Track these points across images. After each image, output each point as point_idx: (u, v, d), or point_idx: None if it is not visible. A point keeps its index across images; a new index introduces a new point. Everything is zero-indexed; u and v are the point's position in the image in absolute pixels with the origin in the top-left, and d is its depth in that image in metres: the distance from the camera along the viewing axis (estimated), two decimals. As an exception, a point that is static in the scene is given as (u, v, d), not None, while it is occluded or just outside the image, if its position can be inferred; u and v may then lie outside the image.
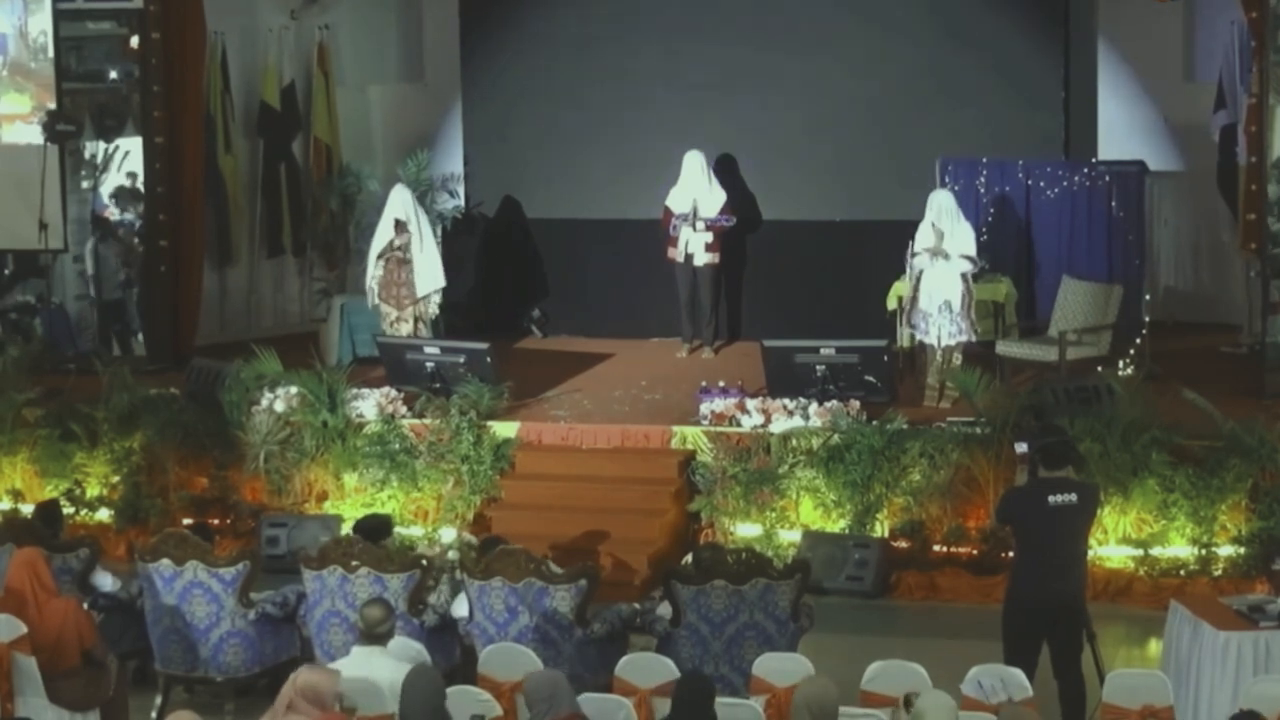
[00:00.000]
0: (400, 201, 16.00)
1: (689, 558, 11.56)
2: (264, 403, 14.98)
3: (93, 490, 15.21)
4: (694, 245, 16.82)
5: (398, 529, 13.93)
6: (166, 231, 17.19)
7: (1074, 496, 10.55)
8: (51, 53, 17.05)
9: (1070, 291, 15.88)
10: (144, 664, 11.72)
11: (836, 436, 14.08)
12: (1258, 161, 15.49)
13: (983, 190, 16.90)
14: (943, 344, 15.05)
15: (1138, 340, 15.81)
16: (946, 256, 14.98)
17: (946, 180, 16.63)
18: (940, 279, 15.01)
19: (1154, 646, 12.05)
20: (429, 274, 15.92)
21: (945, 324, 15.01)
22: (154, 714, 11.43)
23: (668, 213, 16.85)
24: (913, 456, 13.92)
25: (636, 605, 11.20)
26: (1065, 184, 16.78)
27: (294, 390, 14.96)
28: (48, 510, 12.50)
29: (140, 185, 17.16)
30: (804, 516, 14.10)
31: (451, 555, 13.27)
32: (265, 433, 14.84)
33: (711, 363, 16.86)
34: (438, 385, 15.06)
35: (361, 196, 18.42)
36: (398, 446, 14.67)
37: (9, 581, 10.69)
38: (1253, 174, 15.69)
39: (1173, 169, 17.99)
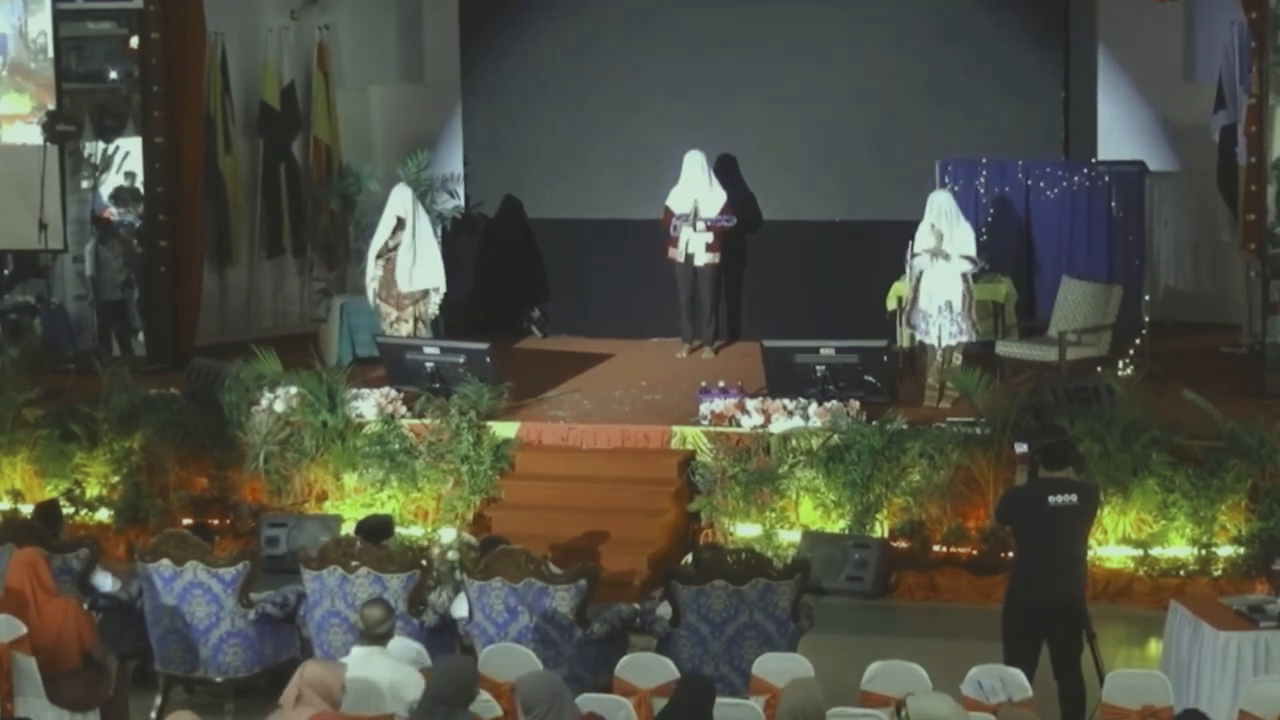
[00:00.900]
0: (401, 200, 15.99)
1: (689, 558, 11.56)
2: (264, 403, 14.98)
3: (92, 490, 15.21)
4: (694, 245, 16.82)
5: (398, 529, 13.92)
6: (166, 232, 17.19)
7: (1074, 497, 10.55)
8: (51, 53, 17.05)
9: (1070, 292, 15.89)
10: (144, 664, 11.72)
11: (836, 437, 14.08)
12: (1257, 162, 15.49)
13: (982, 190, 16.90)
14: (943, 344, 15.05)
15: (1138, 340, 15.81)
16: (946, 257, 14.98)
17: (946, 180, 16.64)
18: (940, 279, 15.02)
19: (1154, 647, 12.05)
20: (424, 272, 15.90)
21: (946, 324, 15.01)
22: (154, 714, 11.42)
23: (668, 213, 16.86)
24: (913, 457, 13.92)
25: (636, 605, 11.20)
26: (1065, 184, 16.79)
27: (294, 390, 14.96)
28: (47, 510, 12.50)
29: (140, 185, 17.17)
30: (804, 517, 14.10)
31: (451, 555, 13.29)
32: (265, 433, 14.85)
33: (711, 363, 16.86)
34: (437, 385, 15.06)
35: (361, 197, 18.43)
36: (397, 447, 14.67)
37: (9, 582, 10.68)
38: (1252, 174, 15.69)
39: (1173, 169, 17.99)
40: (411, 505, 14.60)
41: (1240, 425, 13.61)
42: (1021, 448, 10.96)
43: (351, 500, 14.68)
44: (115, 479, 15.14)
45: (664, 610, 10.90)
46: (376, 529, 11.83)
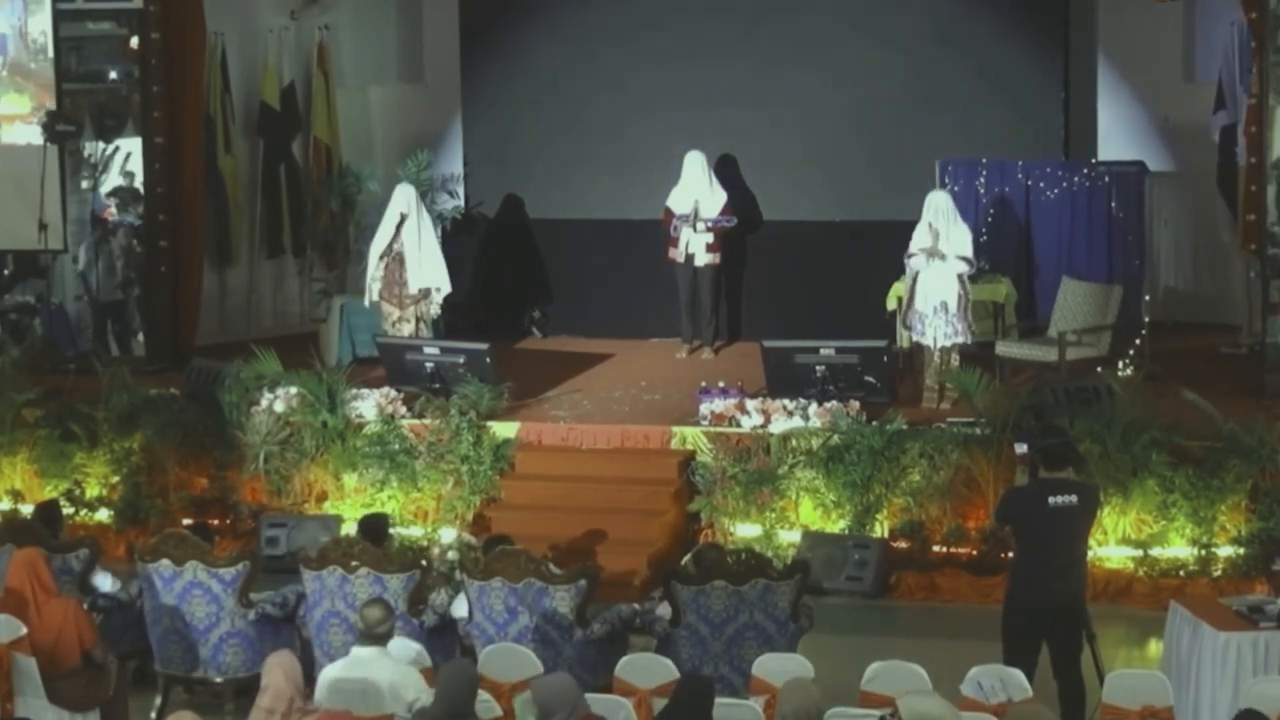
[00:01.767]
0: (403, 199, 15.99)
1: (688, 558, 11.56)
2: (264, 403, 14.98)
3: (92, 490, 15.21)
4: (695, 245, 16.82)
5: (398, 529, 13.93)
6: (166, 232, 17.19)
7: (1074, 498, 10.55)
8: (51, 53, 17.04)
9: (1070, 292, 15.89)
10: (144, 664, 11.72)
11: (836, 437, 14.08)
12: (1257, 162, 15.49)
13: (982, 191, 16.91)
14: (939, 345, 15.05)
15: (1137, 341, 15.81)
16: (943, 257, 14.98)
17: (947, 181, 16.64)
18: (937, 280, 15.02)
19: (1154, 647, 12.05)
20: (427, 271, 15.90)
21: (941, 325, 15.01)
22: (154, 714, 11.42)
23: (668, 213, 16.86)
24: (912, 457, 13.93)
25: (636, 606, 11.20)
26: (1065, 184, 16.79)
27: (294, 390, 14.96)
28: (47, 510, 12.50)
29: (140, 186, 17.17)
30: (804, 517, 14.10)
31: (451, 556, 13.29)
32: (265, 433, 14.85)
33: (711, 363, 16.86)
34: (437, 386, 15.06)
35: (361, 197, 18.43)
36: (397, 447, 14.67)
37: (9, 582, 10.68)
38: (1252, 174, 15.70)
39: (1173, 169, 17.98)
40: (411, 505, 14.60)
41: (1240, 426, 13.61)
42: (1021, 448, 10.97)
43: (351, 500, 14.68)
44: (115, 479, 15.14)
45: (664, 610, 10.90)
46: (374, 528, 11.84)
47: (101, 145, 17.26)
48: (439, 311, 16.13)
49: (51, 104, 17.04)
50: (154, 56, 17.03)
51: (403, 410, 14.91)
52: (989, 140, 17.17)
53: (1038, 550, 10.59)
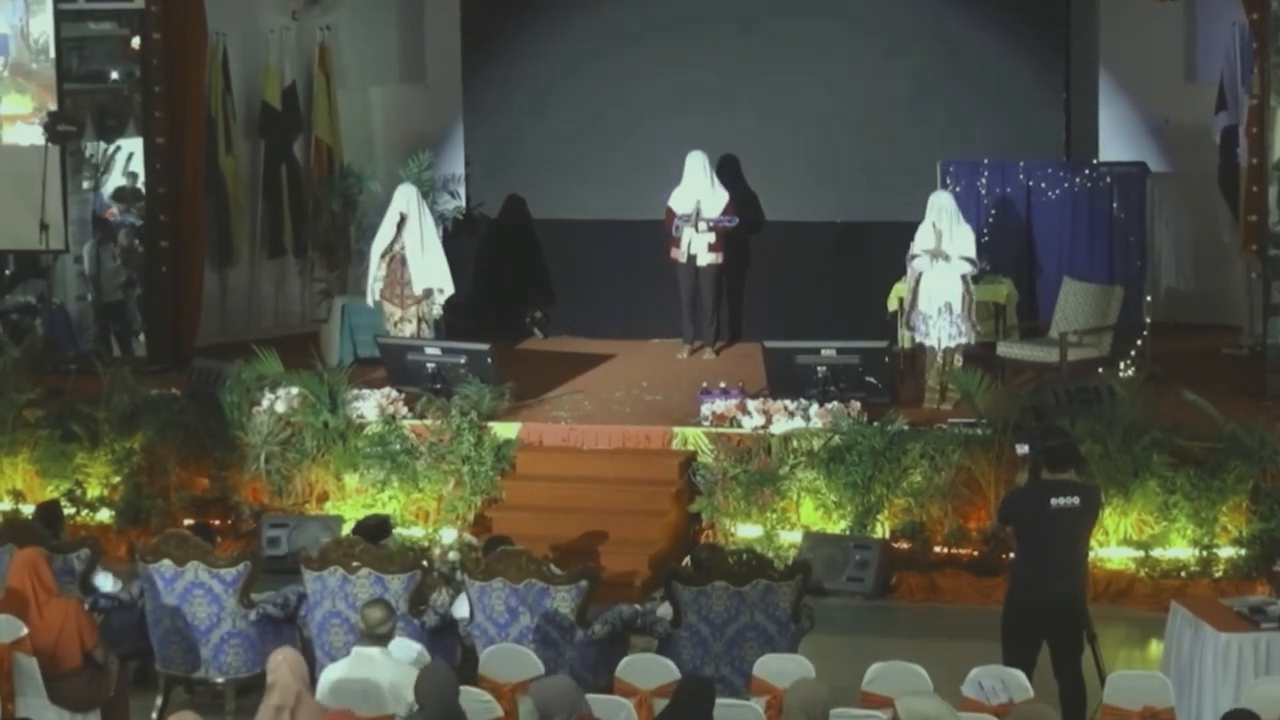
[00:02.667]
0: (404, 199, 15.99)
1: (689, 559, 11.56)
2: (265, 403, 14.98)
3: (93, 491, 15.21)
4: (697, 246, 16.82)
5: (398, 530, 13.93)
6: (167, 232, 17.19)
7: (1076, 499, 10.55)
8: (53, 53, 17.04)
9: (1071, 293, 15.89)
10: (145, 664, 11.72)
11: (837, 437, 14.08)
12: (1259, 163, 15.50)
13: (984, 191, 16.92)
14: (943, 346, 15.05)
15: (1139, 341, 15.80)
16: (946, 258, 14.98)
17: (948, 182, 16.65)
18: (940, 281, 15.02)
19: (1155, 648, 12.05)
20: (429, 271, 15.90)
21: (945, 326, 15.01)
22: (155, 715, 11.43)
23: (670, 213, 16.85)
24: (914, 458, 13.93)
25: (637, 606, 11.20)
26: (1066, 185, 16.81)
27: (295, 391, 14.96)
28: (48, 511, 12.50)
29: (141, 186, 17.17)
30: (805, 517, 14.10)
31: (452, 556, 13.30)
32: (266, 433, 14.85)
33: (712, 364, 16.86)
34: (438, 386, 15.06)
35: (363, 197, 18.42)
36: (398, 447, 14.66)
37: (10, 582, 10.69)
38: (1254, 175, 15.70)
39: (1174, 170, 17.97)
40: (412, 506, 14.60)
41: (1241, 426, 13.61)
42: (1022, 448, 10.96)
43: (352, 501, 14.67)
44: (116, 479, 15.14)
45: (665, 611, 10.91)
46: (375, 529, 11.84)
47: (103, 145, 17.26)
48: (440, 312, 16.13)
49: (53, 104, 17.04)
50: (155, 57, 17.03)
51: (404, 411, 14.90)
52: (990, 141, 17.18)
53: (1039, 551, 10.59)
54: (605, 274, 18.13)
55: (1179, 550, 13.52)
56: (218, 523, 14.58)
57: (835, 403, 14.37)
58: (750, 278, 17.79)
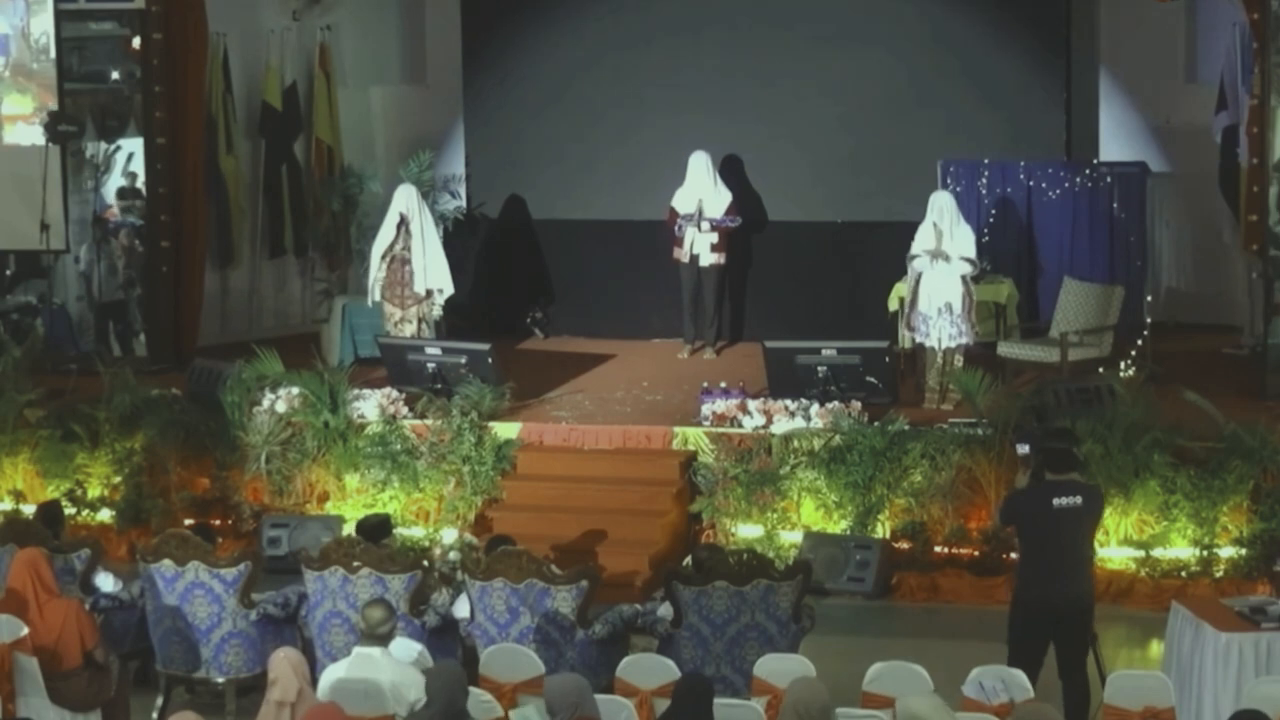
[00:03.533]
0: (404, 199, 16.00)
1: (689, 559, 11.56)
2: (265, 403, 14.98)
3: (94, 491, 15.21)
4: (699, 246, 16.82)
5: (399, 530, 13.93)
6: (168, 232, 17.19)
7: (1078, 499, 10.54)
8: (53, 53, 17.04)
9: (1072, 293, 15.89)
10: (145, 664, 11.72)
11: (838, 437, 14.08)
12: (1259, 163, 15.50)
13: (984, 192, 16.92)
14: (943, 346, 15.05)
15: (1139, 341, 15.80)
16: (947, 258, 14.98)
17: (948, 182, 16.65)
18: (940, 281, 15.02)
19: (1155, 648, 12.06)
20: (430, 272, 15.91)
21: (945, 326, 15.01)
22: (155, 715, 11.43)
23: (673, 213, 16.85)
24: (914, 458, 13.93)
25: (638, 606, 11.20)
26: (1067, 185, 16.81)
27: (295, 391, 14.97)
28: (49, 511, 12.49)
29: (141, 186, 17.18)
30: (805, 517, 14.10)
31: (453, 556, 13.29)
32: (267, 433, 14.85)
33: (713, 363, 16.86)
34: (439, 386, 15.07)
35: (363, 197, 18.43)
36: (399, 447, 14.67)
37: (10, 582, 10.69)
38: (1254, 175, 15.70)
39: (1174, 170, 17.98)
40: (413, 506, 14.60)
41: (1242, 426, 13.62)
42: (1023, 449, 10.96)
43: (353, 501, 14.68)
44: (117, 479, 15.14)
45: (665, 611, 10.91)
46: (375, 528, 11.84)
47: (103, 145, 17.27)
48: (441, 312, 16.14)
49: (53, 104, 17.04)
50: (156, 57, 17.03)
51: (404, 411, 14.91)
52: (991, 141, 17.18)
53: (1042, 552, 10.58)
54: (605, 274, 18.13)
55: (1180, 550, 13.52)
56: (218, 523, 14.58)
57: (836, 403, 14.37)
58: (751, 278, 17.79)
